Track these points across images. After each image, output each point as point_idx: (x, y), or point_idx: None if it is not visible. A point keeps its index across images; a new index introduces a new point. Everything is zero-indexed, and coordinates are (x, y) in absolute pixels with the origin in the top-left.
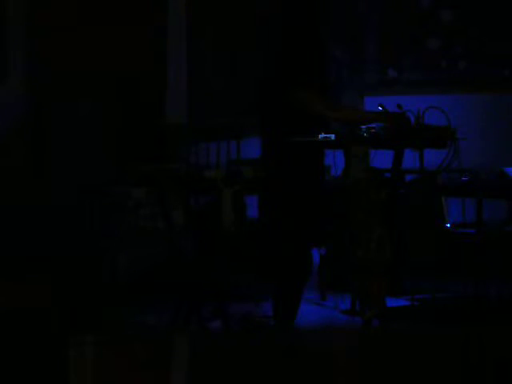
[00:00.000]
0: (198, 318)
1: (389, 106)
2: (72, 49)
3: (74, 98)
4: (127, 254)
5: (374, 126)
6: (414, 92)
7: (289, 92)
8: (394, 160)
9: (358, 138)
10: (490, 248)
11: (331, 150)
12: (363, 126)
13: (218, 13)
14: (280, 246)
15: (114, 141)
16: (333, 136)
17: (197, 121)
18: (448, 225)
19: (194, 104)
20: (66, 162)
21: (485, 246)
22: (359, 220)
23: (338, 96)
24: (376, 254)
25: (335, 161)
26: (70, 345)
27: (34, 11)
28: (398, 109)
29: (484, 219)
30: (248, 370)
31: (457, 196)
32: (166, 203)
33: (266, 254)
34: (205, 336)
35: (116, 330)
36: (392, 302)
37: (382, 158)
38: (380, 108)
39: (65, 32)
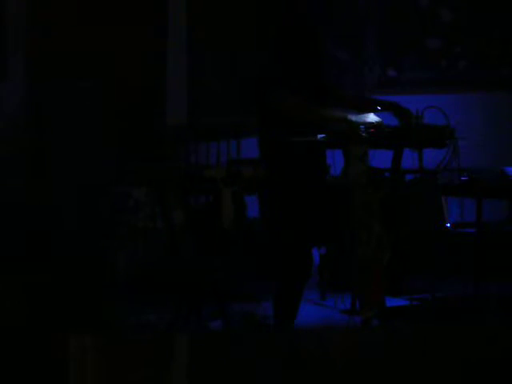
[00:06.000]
0: (197, 318)
1: None
2: (72, 48)
3: (74, 98)
4: (127, 254)
5: (374, 123)
6: (414, 92)
7: (264, 94)
8: (394, 160)
9: (357, 138)
10: (490, 248)
11: (331, 149)
12: (362, 126)
13: (217, 13)
14: (280, 246)
15: (114, 141)
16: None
17: (197, 121)
18: (448, 225)
19: (194, 104)
20: (66, 162)
21: (485, 245)
22: (359, 220)
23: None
24: (376, 253)
25: (334, 160)
26: (70, 345)
27: (34, 11)
28: None
29: (484, 219)
30: (248, 370)
31: (457, 196)
32: (165, 203)
33: (266, 254)
34: (205, 336)
35: (116, 330)
36: (392, 302)
37: (381, 158)
38: (379, 108)
39: (65, 32)
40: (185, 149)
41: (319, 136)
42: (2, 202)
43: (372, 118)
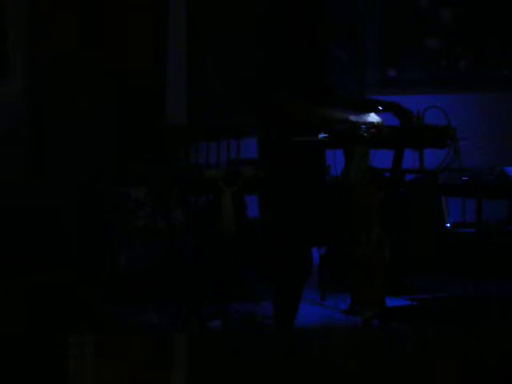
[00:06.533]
0: (197, 318)
1: None
2: (72, 48)
3: (74, 98)
4: (127, 254)
5: (374, 124)
6: (414, 92)
7: (265, 94)
8: (394, 160)
9: (357, 138)
10: (489, 248)
11: (331, 149)
12: (363, 126)
13: (218, 13)
14: (280, 246)
15: (114, 141)
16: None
17: (197, 121)
18: (448, 225)
19: (194, 104)
20: (65, 162)
21: (485, 245)
22: (359, 220)
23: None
24: (376, 253)
25: (335, 161)
26: (70, 345)
27: (34, 11)
28: None
29: (484, 219)
30: (248, 370)
31: (457, 196)
32: (165, 203)
33: (265, 254)
34: (205, 336)
35: (116, 330)
36: (392, 302)
37: (381, 158)
38: (380, 108)
39: (65, 32)
40: (185, 149)
41: (320, 136)
42: (1, 201)
43: (373, 117)
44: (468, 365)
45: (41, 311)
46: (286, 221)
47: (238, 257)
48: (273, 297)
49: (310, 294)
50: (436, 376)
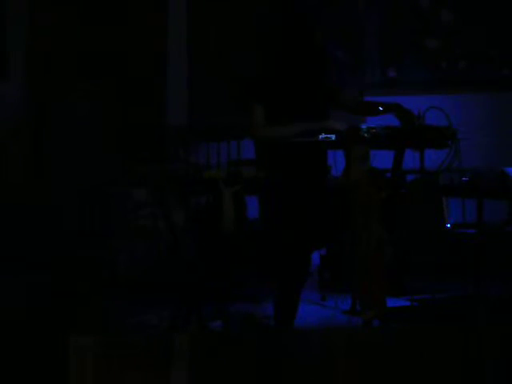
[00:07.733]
0: (197, 318)
1: None
2: (72, 48)
3: (74, 98)
4: (127, 254)
5: (374, 125)
6: (414, 92)
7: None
8: (395, 160)
9: (358, 138)
10: (490, 248)
11: (331, 150)
12: (363, 126)
13: (218, 13)
14: (279, 246)
15: (114, 141)
16: (333, 136)
17: (197, 121)
18: (448, 225)
19: (194, 104)
20: (65, 162)
21: (485, 246)
22: (359, 220)
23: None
24: (376, 253)
25: (335, 161)
26: (70, 345)
27: (34, 11)
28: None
29: (484, 219)
30: (248, 370)
31: (457, 196)
32: (165, 203)
33: (265, 254)
34: (205, 336)
35: (116, 330)
36: (392, 302)
37: (382, 158)
38: (381, 109)
39: (65, 32)
40: (185, 149)
41: (321, 136)
42: (2, 201)
43: (338, 125)
44: (468, 365)
45: (41, 311)
46: (286, 221)
47: (237, 257)
48: (273, 297)
49: (310, 294)
50: (436, 376)
